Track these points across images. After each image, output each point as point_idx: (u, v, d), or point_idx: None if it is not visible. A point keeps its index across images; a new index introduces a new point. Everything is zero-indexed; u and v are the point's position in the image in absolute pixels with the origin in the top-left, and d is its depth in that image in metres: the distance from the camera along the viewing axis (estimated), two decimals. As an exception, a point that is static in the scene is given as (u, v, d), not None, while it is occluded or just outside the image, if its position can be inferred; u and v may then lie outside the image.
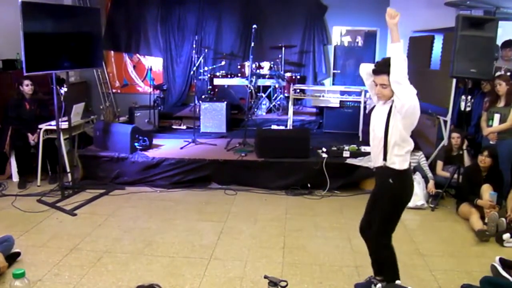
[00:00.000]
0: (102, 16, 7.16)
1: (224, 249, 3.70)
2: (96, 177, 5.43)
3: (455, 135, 4.99)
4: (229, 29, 8.37)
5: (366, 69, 2.79)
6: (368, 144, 5.64)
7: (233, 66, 8.20)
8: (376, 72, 2.65)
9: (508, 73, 4.95)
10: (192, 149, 5.79)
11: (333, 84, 8.29)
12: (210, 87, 7.67)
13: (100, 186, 5.21)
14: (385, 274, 2.89)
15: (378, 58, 8.26)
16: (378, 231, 2.80)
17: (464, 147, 4.96)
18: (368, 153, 5.39)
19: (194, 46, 7.74)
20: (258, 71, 7.40)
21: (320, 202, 4.88)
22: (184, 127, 7.34)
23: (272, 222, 4.28)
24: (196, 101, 7.07)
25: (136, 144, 5.49)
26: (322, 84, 8.22)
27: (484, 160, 4.34)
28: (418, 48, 6.82)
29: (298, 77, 7.72)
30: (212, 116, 6.80)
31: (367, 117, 5.92)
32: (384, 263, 2.87)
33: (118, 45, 8.58)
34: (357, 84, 7.49)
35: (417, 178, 4.81)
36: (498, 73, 4.95)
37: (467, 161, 4.94)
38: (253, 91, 7.44)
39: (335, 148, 5.33)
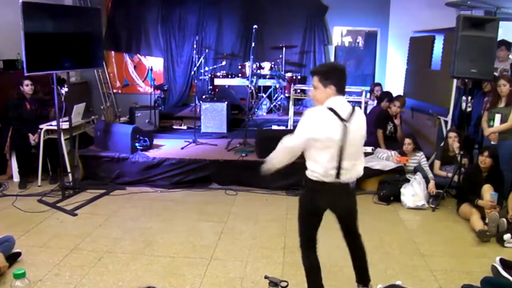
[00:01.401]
0: (102, 16, 7.16)
1: (225, 249, 3.70)
2: (97, 177, 5.43)
3: (452, 134, 4.98)
4: (229, 29, 8.37)
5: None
6: (368, 145, 5.62)
7: (233, 66, 8.20)
8: (310, 73, 2.64)
9: (505, 73, 4.94)
10: (193, 149, 5.79)
11: (333, 84, 8.27)
12: (211, 87, 7.67)
13: (101, 186, 5.21)
14: None
15: (378, 58, 8.28)
16: None
17: (457, 150, 4.90)
18: (369, 153, 5.40)
19: (194, 46, 7.75)
20: (258, 71, 7.40)
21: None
22: (185, 127, 7.35)
23: (273, 223, 4.28)
24: (197, 101, 7.08)
25: (136, 144, 5.50)
26: (323, 84, 8.20)
27: (484, 160, 4.33)
28: (419, 48, 6.83)
29: (299, 77, 7.71)
30: (213, 116, 6.80)
31: (367, 118, 5.91)
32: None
33: (118, 45, 8.59)
34: (358, 84, 7.50)
35: (418, 178, 4.81)
36: (497, 74, 4.94)
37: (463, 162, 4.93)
38: (253, 91, 7.44)
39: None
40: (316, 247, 2.73)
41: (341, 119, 2.44)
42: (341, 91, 2.53)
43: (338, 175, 2.48)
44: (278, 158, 2.65)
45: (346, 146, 2.44)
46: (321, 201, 2.59)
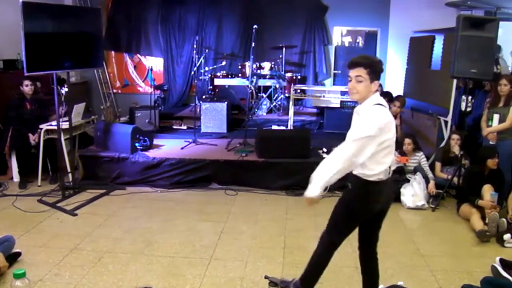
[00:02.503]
0: (102, 16, 7.17)
1: (225, 249, 3.70)
2: (97, 177, 5.43)
3: (455, 136, 4.98)
4: (229, 29, 8.37)
5: None
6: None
7: (233, 66, 8.21)
8: (352, 64, 2.41)
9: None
10: (193, 149, 5.79)
11: (333, 84, 8.30)
12: (211, 87, 7.67)
13: (101, 186, 5.21)
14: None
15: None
16: (326, 229, 2.68)
17: (457, 151, 4.90)
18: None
19: (194, 46, 7.75)
20: (258, 71, 7.41)
21: (320, 202, 4.84)
22: (185, 127, 7.35)
23: (273, 222, 4.28)
24: (197, 101, 7.08)
25: (136, 144, 5.50)
26: (323, 85, 8.23)
27: (496, 162, 4.31)
28: (419, 48, 6.83)
29: (299, 77, 7.72)
30: (213, 116, 6.81)
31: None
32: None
33: (118, 45, 8.60)
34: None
35: (418, 178, 4.81)
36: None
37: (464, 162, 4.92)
38: (253, 91, 7.45)
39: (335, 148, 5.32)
40: None
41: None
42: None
43: (389, 170, 2.46)
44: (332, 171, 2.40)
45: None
46: (378, 203, 2.48)
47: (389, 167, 2.45)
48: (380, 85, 7.02)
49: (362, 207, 2.49)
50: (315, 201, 2.43)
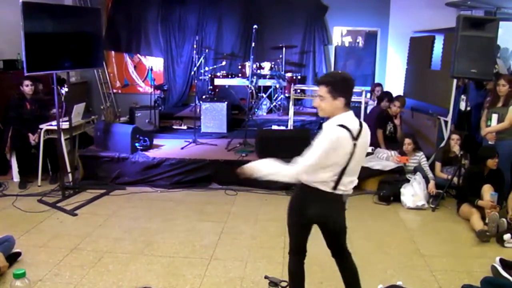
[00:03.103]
0: (102, 16, 7.16)
1: (225, 249, 3.70)
2: (97, 177, 5.43)
3: (455, 136, 4.97)
4: (229, 29, 8.37)
5: None
6: (370, 145, 5.61)
7: (233, 66, 8.20)
8: (317, 83, 2.54)
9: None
10: (193, 149, 5.79)
11: (333, 84, 8.27)
12: (211, 87, 7.67)
13: (101, 186, 5.21)
14: None
15: (378, 58, 8.28)
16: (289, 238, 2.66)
17: (457, 150, 4.91)
18: (369, 153, 5.40)
19: (194, 46, 7.75)
20: (258, 71, 7.40)
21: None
22: (185, 127, 7.35)
23: (273, 222, 4.28)
24: (197, 101, 7.08)
25: (136, 144, 5.50)
26: (323, 84, 8.21)
27: (496, 162, 4.32)
28: (419, 48, 6.83)
29: (299, 77, 7.71)
30: (213, 116, 6.81)
31: (367, 118, 5.93)
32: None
33: (118, 45, 8.59)
34: (358, 84, 7.46)
35: (418, 178, 4.81)
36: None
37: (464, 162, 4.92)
38: (253, 91, 7.44)
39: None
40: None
41: (353, 138, 2.35)
42: (349, 104, 2.42)
43: (335, 187, 2.40)
44: (281, 178, 2.57)
45: (350, 163, 2.37)
46: (312, 210, 2.47)
47: (335, 186, 2.40)
48: (380, 85, 7.04)
49: (295, 210, 2.57)
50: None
